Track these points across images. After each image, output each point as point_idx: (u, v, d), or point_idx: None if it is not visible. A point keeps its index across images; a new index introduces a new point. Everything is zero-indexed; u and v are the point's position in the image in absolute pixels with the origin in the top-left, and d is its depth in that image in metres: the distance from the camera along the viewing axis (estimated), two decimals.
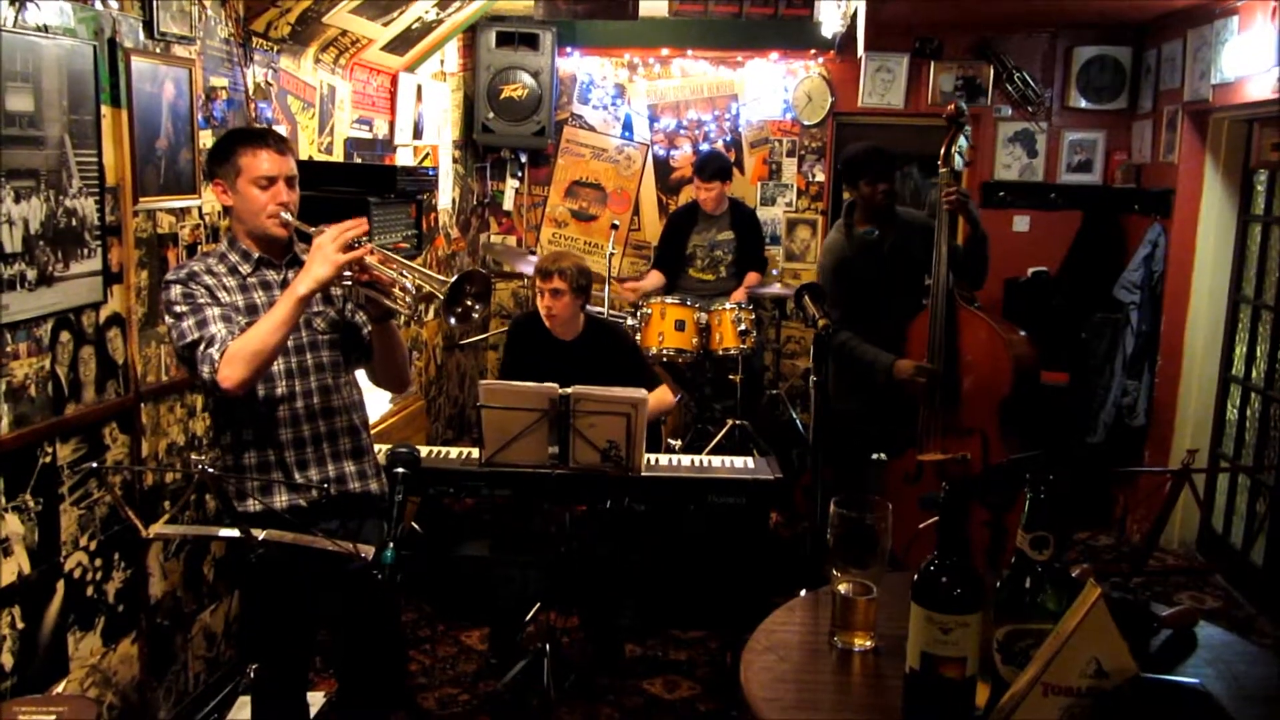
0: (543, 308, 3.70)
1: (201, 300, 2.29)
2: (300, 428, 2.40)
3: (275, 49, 3.63)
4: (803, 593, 2.11)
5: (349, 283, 2.32)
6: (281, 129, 3.67)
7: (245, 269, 2.39)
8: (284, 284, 2.41)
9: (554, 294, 3.64)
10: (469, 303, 2.27)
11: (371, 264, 2.27)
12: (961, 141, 3.66)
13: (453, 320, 2.25)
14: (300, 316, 2.26)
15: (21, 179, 2.42)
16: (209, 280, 2.33)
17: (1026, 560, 1.58)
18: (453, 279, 2.23)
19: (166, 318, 2.32)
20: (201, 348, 2.23)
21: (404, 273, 2.28)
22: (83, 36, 2.62)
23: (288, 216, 2.35)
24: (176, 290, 2.29)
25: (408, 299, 2.28)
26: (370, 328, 2.47)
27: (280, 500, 2.39)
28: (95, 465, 2.72)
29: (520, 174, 6.43)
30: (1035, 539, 1.57)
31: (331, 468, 2.45)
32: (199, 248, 3.20)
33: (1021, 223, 5.99)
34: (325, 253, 2.20)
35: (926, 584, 1.53)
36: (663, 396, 3.79)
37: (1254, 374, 4.56)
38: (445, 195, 5.65)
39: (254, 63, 3.49)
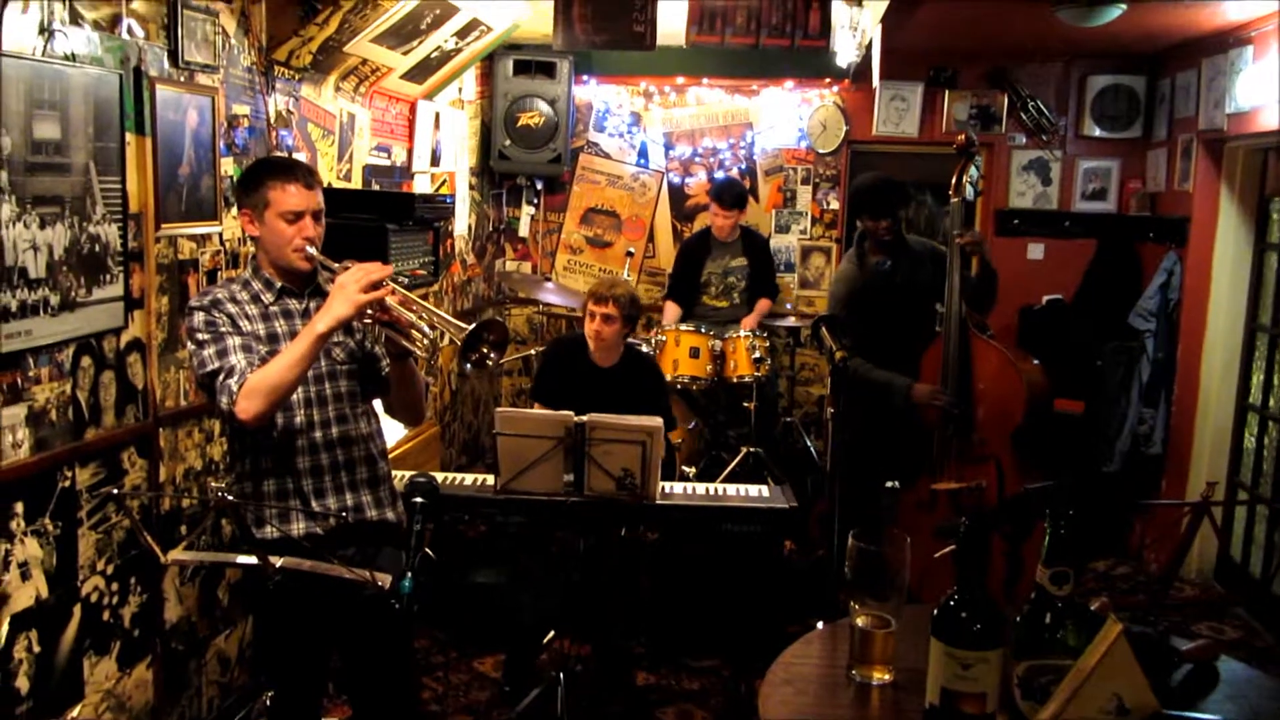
0: (591, 330, 3.72)
1: (224, 329, 2.31)
2: (318, 456, 2.41)
3: (297, 77, 3.67)
4: (820, 625, 2.09)
5: (368, 321, 2.34)
6: (302, 156, 3.70)
7: (268, 297, 2.41)
8: (305, 313, 2.43)
9: (606, 319, 3.67)
10: (485, 350, 2.29)
11: (392, 305, 2.29)
12: (973, 171, 3.67)
13: (468, 366, 2.28)
14: (319, 352, 2.29)
15: (47, 205, 2.45)
16: (232, 308, 2.35)
17: (1046, 595, 1.57)
18: (471, 327, 2.25)
19: (189, 344, 2.34)
20: (221, 378, 2.25)
21: (423, 316, 2.30)
22: (109, 65, 2.66)
23: (312, 251, 2.38)
24: (200, 317, 2.31)
25: (425, 341, 2.31)
26: (388, 361, 2.49)
27: (297, 528, 2.39)
28: (115, 491, 2.73)
29: (536, 201, 6.47)
30: (1055, 574, 1.56)
31: (349, 496, 2.45)
32: (219, 274, 3.22)
33: (1036, 251, 5.98)
34: (347, 292, 2.23)
35: (946, 619, 1.52)
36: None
37: (1271, 402, 4.53)
38: (462, 222, 5.69)
39: (275, 91, 3.53)
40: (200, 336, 2.30)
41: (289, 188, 2.34)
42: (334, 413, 2.44)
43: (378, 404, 2.62)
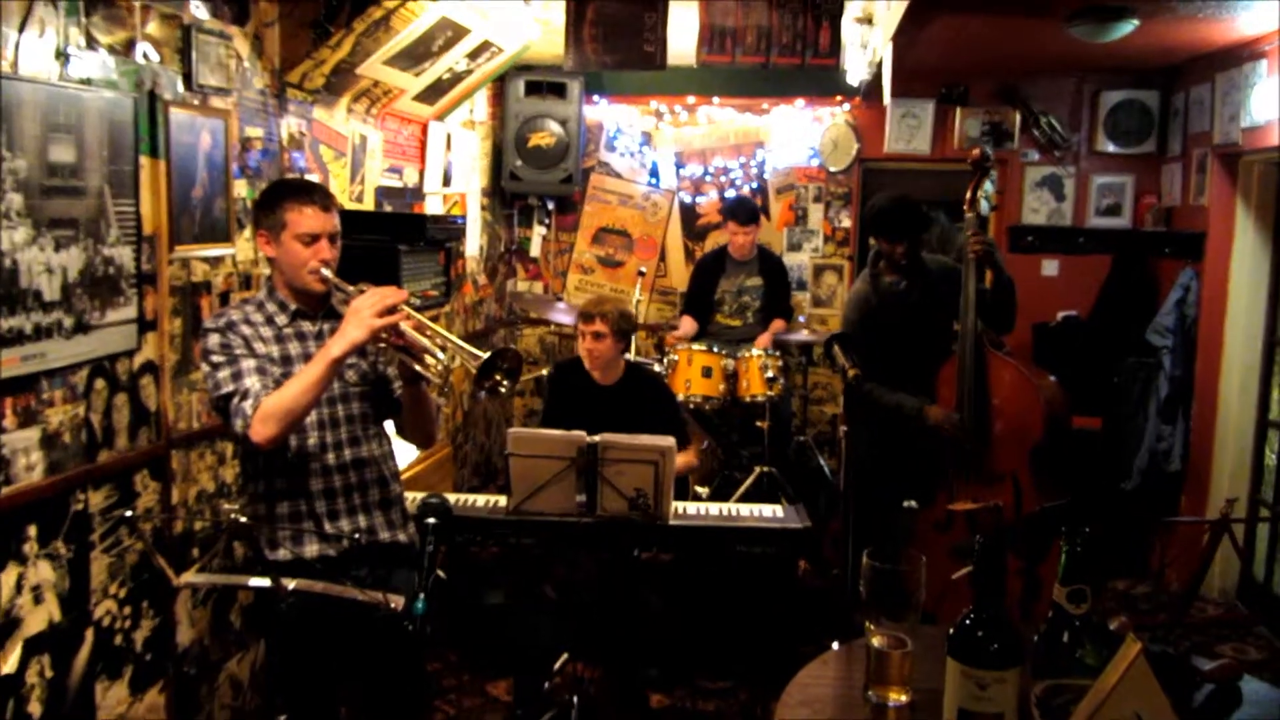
0: (583, 350, 3.73)
1: (238, 351, 2.33)
2: (331, 478, 2.43)
3: (309, 99, 3.71)
4: (835, 645, 2.08)
5: (382, 345, 2.36)
6: (314, 178, 3.73)
7: (282, 319, 2.44)
8: (319, 335, 2.46)
9: (595, 337, 3.68)
10: (498, 377, 2.31)
11: (406, 330, 2.31)
12: (987, 186, 3.66)
13: (482, 394, 2.30)
14: (333, 376, 2.31)
15: (62, 228, 2.48)
16: (246, 330, 2.38)
17: (1064, 614, 1.56)
18: (486, 355, 2.26)
19: (203, 366, 2.37)
20: (235, 400, 2.27)
21: (437, 341, 2.32)
22: (124, 89, 2.70)
23: (327, 273, 2.41)
24: (214, 339, 2.34)
25: (439, 366, 2.32)
26: (400, 384, 2.51)
27: (310, 550, 2.40)
28: (129, 513, 2.74)
29: (547, 221, 6.50)
30: (1072, 592, 1.55)
31: (362, 518, 2.47)
32: (231, 295, 3.24)
33: (1050, 267, 5.97)
34: (361, 317, 2.25)
35: (963, 638, 1.52)
36: (685, 459, 3.79)
37: None
38: (473, 242, 5.72)
39: (288, 113, 3.56)
40: (215, 359, 2.33)
41: (306, 210, 2.37)
42: (346, 435, 2.45)
43: (389, 426, 2.63)
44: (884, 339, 3.79)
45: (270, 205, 2.41)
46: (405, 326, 2.31)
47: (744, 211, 5.52)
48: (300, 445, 2.39)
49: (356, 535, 2.43)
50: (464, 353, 2.30)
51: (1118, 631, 1.72)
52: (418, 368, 2.37)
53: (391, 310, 2.27)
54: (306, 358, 2.40)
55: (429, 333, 2.34)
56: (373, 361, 2.54)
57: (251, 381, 2.29)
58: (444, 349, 2.32)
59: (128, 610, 2.81)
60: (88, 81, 2.56)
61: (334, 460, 2.43)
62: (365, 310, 2.25)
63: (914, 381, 3.72)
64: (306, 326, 2.47)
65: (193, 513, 3.11)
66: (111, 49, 2.65)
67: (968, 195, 3.61)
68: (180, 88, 2.95)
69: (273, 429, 2.24)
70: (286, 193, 2.42)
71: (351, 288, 2.38)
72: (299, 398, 2.24)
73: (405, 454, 3.82)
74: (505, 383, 2.33)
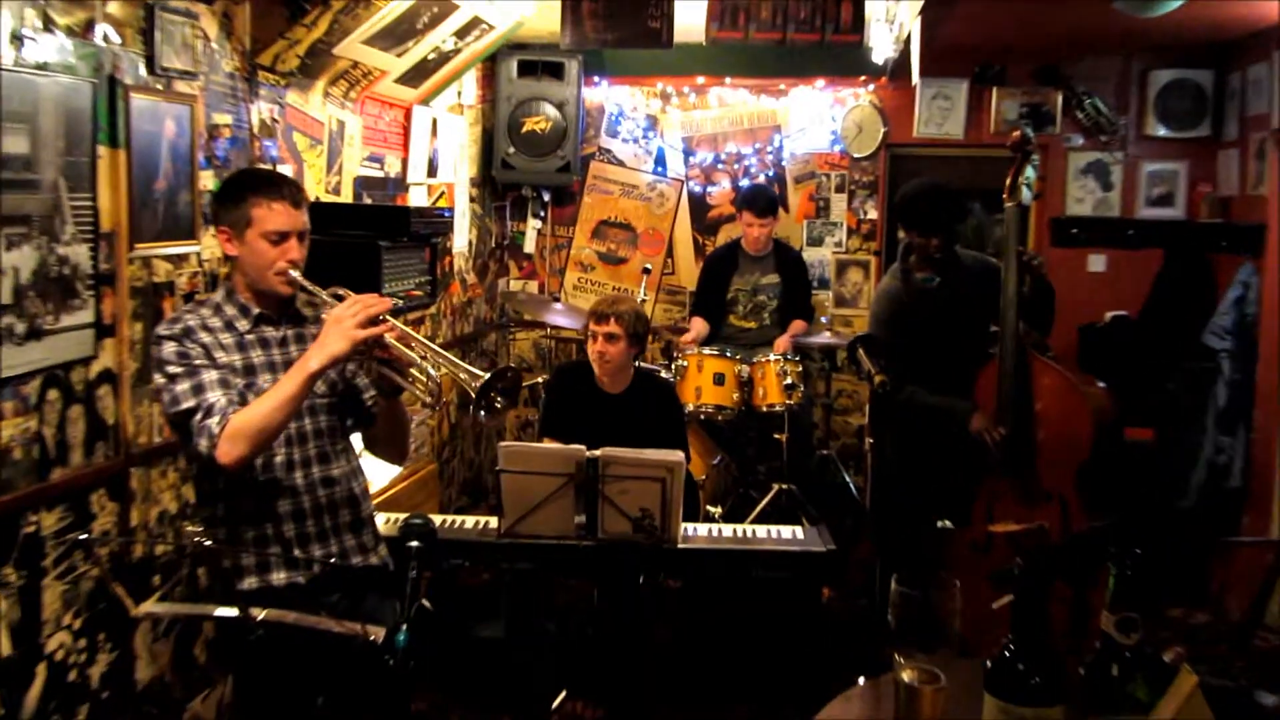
0: (594, 352, 3.73)
1: (198, 361, 2.31)
2: (300, 499, 2.42)
3: (282, 83, 3.72)
4: (861, 680, 2.08)
5: (362, 358, 2.35)
6: (287, 168, 3.75)
7: (243, 325, 2.42)
8: (283, 342, 2.45)
9: (608, 339, 3.68)
10: (493, 396, 2.30)
11: (391, 343, 2.30)
12: (1029, 172, 3.65)
13: (481, 415, 2.29)
14: (309, 392, 2.29)
15: (13, 225, 2.48)
16: (205, 337, 2.36)
17: (1113, 644, 1.55)
18: (486, 375, 2.26)
19: (157, 377, 2.34)
20: (198, 418, 2.25)
21: (425, 356, 2.31)
22: (82, 74, 2.71)
23: (295, 274, 2.39)
24: (170, 348, 2.31)
25: (429, 384, 2.31)
26: (374, 393, 2.50)
27: (278, 577, 2.40)
28: (85, 536, 2.74)
29: (543, 213, 6.51)
30: (1122, 621, 1.54)
31: (334, 542, 2.46)
32: (197, 297, 3.25)
33: (1097, 262, 5.97)
34: (343, 328, 2.24)
35: (1001, 672, 1.51)
36: None
37: None
38: (461, 237, 5.73)
39: (259, 98, 3.58)
40: (171, 370, 2.30)
41: (275, 206, 2.36)
42: (315, 451, 2.45)
43: (355, 439, 2.63)
44: (915, 340, 3.78)
45: (233, 199, 2.39)
46: (390, 339, 2.30)
47: (760, 202, 5.51)
48: (266, 463, 2.38)
49: (332, 560, 2.43)
50: (461, 370, 2.29)
51: (1172, 663, 1.72)
52: (401, 381, 2.37)
53: (375, 320, 2.26)
54: (271, 366, 2.39)
55: (414, 345, 2.33)
56: (342, 370, 2.53)
57: (215, 396, 2.27)
58: (425, 358, 2.31)
59: (83, 643, 2.81)
60: (44, 66, 2.57)
61: (302, 479, 2.42)
62: (347, 320, 2.24)
63: (950, 388, 3.72)
64: (270, 332, 2.45)
65: (154, 536, 3.11)
66: (70, 30, 2.67)
67: (1008, 182, 3.60)
68: (142, 71, 2.97)
69: (242, 449, 2.22)
70: (252, 186, 2.40)
71: (323, 291, 2.36)
72: (271, 415, 2.23)
73: (386, 471, 3.82)
74: (501, 400, 2.33)
